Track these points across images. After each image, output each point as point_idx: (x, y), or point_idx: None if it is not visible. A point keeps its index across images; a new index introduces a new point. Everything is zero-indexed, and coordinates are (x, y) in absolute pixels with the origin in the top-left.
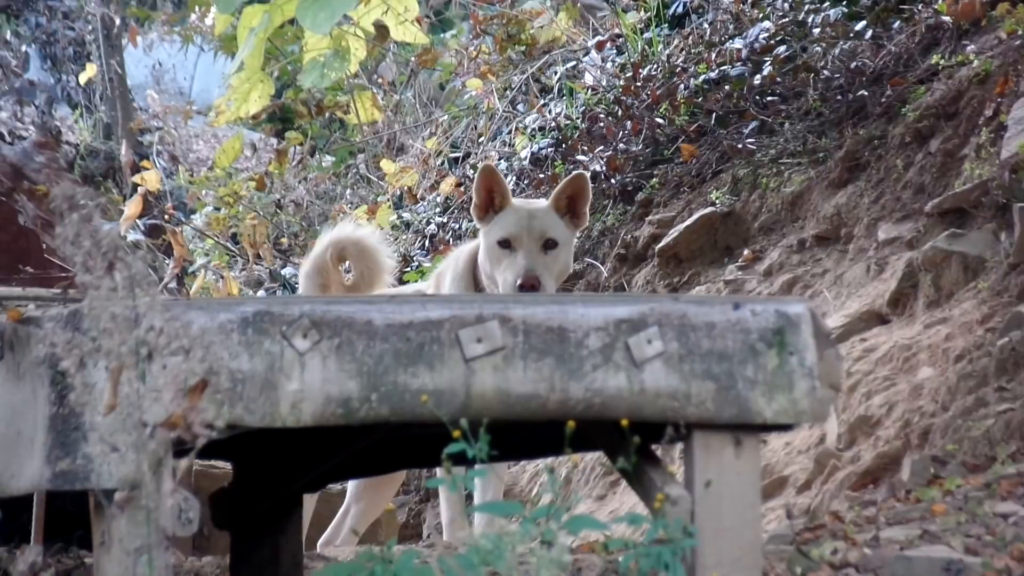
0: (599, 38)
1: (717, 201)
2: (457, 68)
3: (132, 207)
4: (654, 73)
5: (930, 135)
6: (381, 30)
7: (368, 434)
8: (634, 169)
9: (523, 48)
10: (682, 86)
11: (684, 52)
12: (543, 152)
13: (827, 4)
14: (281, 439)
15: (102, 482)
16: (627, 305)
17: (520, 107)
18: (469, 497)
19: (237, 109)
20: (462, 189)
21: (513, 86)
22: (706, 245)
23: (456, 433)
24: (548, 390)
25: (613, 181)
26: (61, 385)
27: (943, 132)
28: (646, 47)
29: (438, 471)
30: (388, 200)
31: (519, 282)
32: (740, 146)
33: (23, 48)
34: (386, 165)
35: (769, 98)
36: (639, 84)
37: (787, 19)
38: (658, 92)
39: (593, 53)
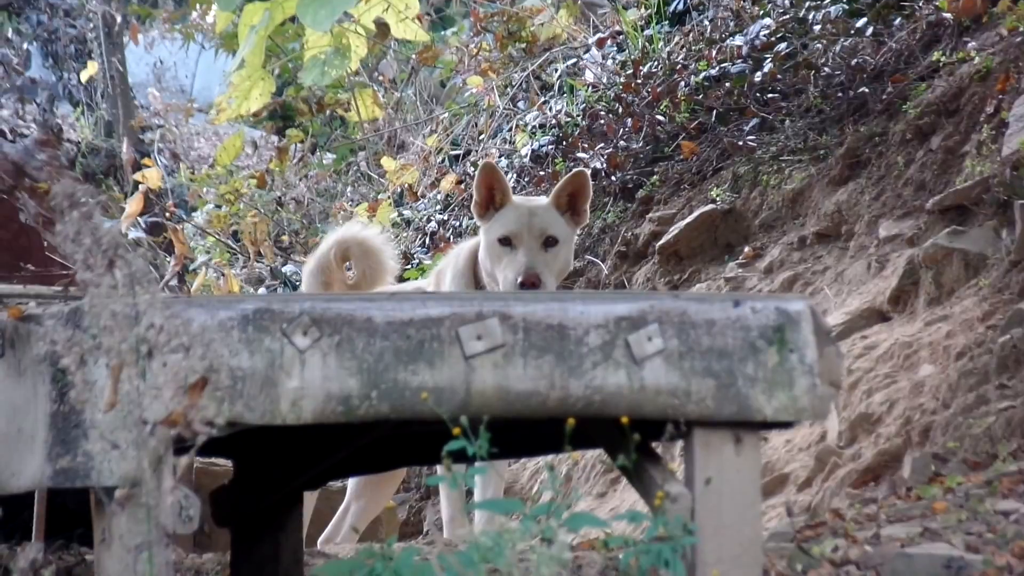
0: (600, 35)
1: (718, 198)
2: (458, 65)
3: (133, 205)
4: (655, 70)
5: (931, 132)
6: (382, 27)
7: (368, 431)
8: (635, 166)
9: (524, 45)
10: (683, 83)
11: (685, 49)
12: (544, 149)
13: (828, 1)
14: (281, 436)
15: (103, 479)
16: (627, 303)
17: (521, 104)
18: (470, 494)
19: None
20: (463, 186)
21: (514, 83)
22: (707, 242)
23: (456, 430)
24: (548, 387)
25: (614, 178)
26: (62, 382)
27: (944, 129)
28: (647, 44)
29: (438, 468)
30: (389, 197)
31: (520, 280)
32: (741, 143)
33: (25, 46)
34: (387, 162)
35: (770, 95)
36: (640, 81)
37: (788, 16)
38: (659, 89)
39: (594, 50)
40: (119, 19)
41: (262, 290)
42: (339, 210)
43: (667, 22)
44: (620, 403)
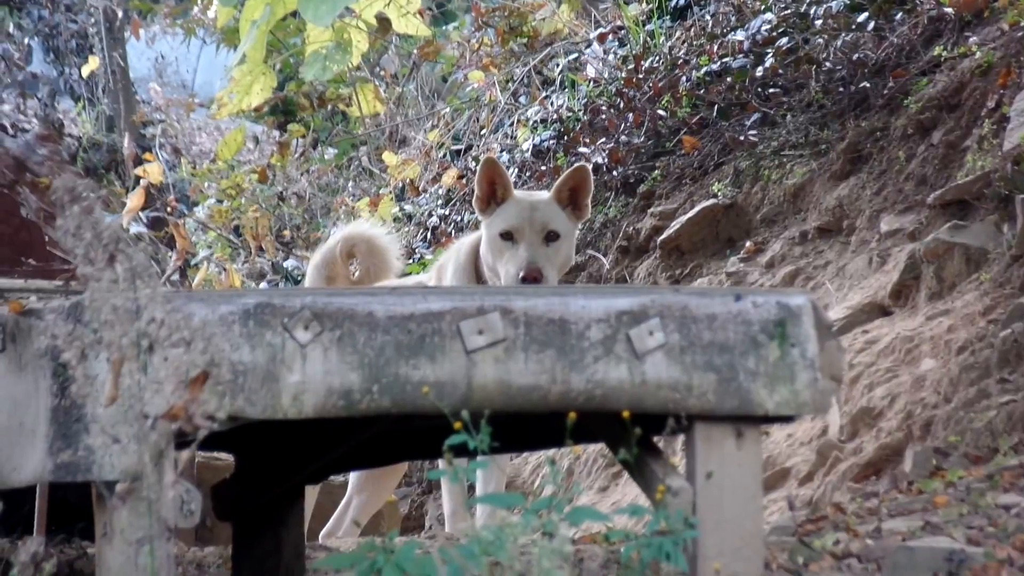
0: (601, 30)
1: (719, 193)
2: (459, 60)
3: (135, 200)
4: (656, 65)
5: (932, 127)
6: (383, 22)
7: (370, 426)
8: (636, 161)
9: (525, 40)
10: (684, 78)
11: (686, 44)
12: (545, 144)
13: None
14: (283, 431)
15: (104, 474)
16: (628, 297)
17: (522, 99)
18: (472, 489)
19: (239, 102)
20: (464, 181)
21: (515, 78)
22: (708, 237)
23: (457, 425)
24: (549, 382)
25: (615, 173)
26: (63, 377)
27: (945, 124)
28: (648, 39)
29: (440, 463)
30: (390, 192)
31: (521, 274)
32: (742, 138)
33: (26, 41)
34: (388, 157)
35: (771, 90)
36: (641, 76)
37: (789, 11)
38: (660, 84)
39: (595, 45)
40: (120, 14)
41: (263, 285)
42: (340, 205)
43: (668, 17)
44: (621, 397)
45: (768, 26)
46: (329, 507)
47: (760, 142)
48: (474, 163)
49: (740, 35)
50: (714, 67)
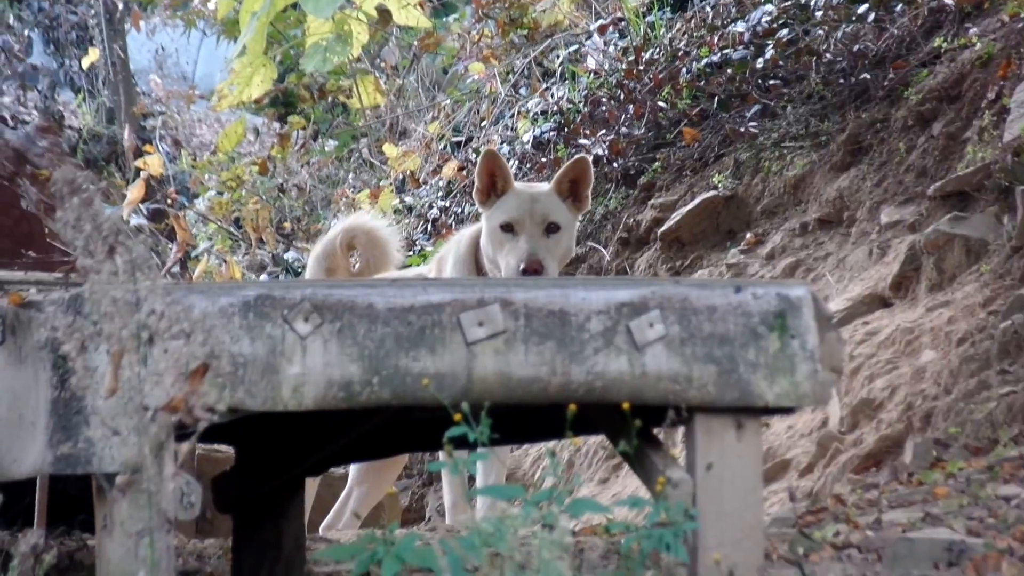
0: (601, 22)
1: (719, 185)
2: (460, 52)
3: (135, 191)
4: (656, 57)
5: (932, 118)
6: (384, 14)
7: (370, 418)
8: (636, 153)
9: (525, 32)
10: (684, 70)
11: (686, 35)
12: (545, 136)
13: None
14: (283, 423)
15: (104, 466)
16: (628, 289)
17: (522, 91)
18: (472, 480)
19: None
20: (464, 173)
21: (515, 70)
22: (708, 229)
23: (457, 417)
24: (550, 373)
25: (615, 165)
26: (62, 369)
27: (945, 115)
28: (648, 31)
29: (440, 455)
30: (391, 184)
31: (522, 266)
32: (742, 130)
33: (26, 32)
34: (389, 149)
35: (771, 81)
36: (641, 68)
37: (789, 2)
38: (660, 76)
39: (595, 37)
40: (120, 5)
41: (264, 277)
42: (341, 197)
43: (669, 8)
44: (621, 389)
45: (768, 17)
46: (329, 499)
47: (760, 134)
48: (475, 155)
49: (740, 26)
50: (714, 58)
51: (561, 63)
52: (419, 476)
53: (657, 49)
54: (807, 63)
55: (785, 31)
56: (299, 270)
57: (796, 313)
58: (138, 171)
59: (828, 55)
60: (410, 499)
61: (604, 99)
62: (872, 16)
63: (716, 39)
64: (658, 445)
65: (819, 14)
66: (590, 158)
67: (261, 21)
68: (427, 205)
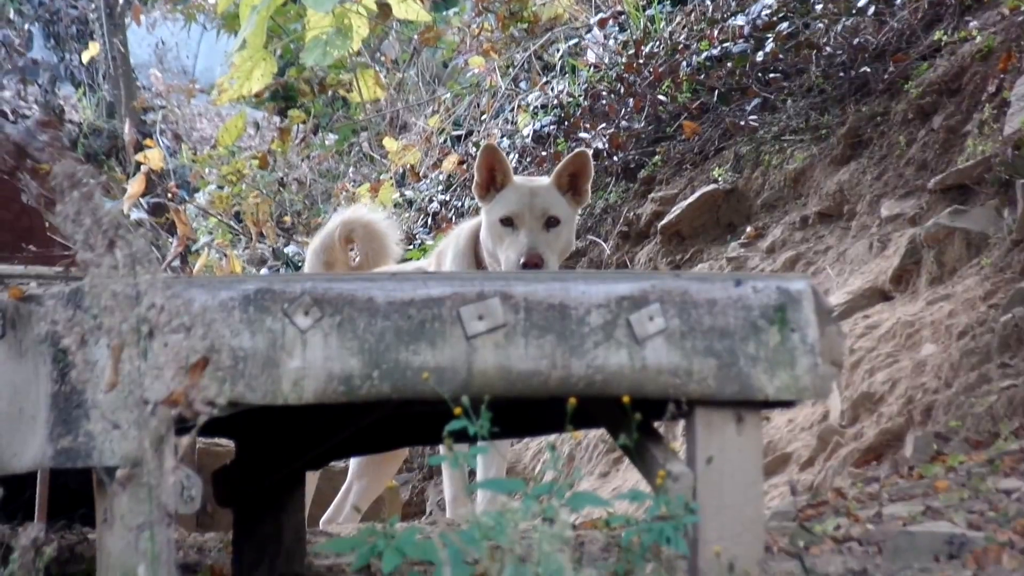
0: (601, 15)
1: (719, 178)
2: (460, 46)
3: (135, 186)
4: (656, 50)
5: (933, 111)
6: (384, 8)
7: (370, 412)
8: (636, 146)
9: (525, 25)
10: (684, 63)
11: (686, 29)
12: (545, 130)
13: None
14: (283, 416)
15: (104, 459)
16: (628, 282)
17: (522, 85)
18: (473, 474)
19: (240, 87)
20: (464, 167)
21: (515, 64)
22: (708, 222)
23: (457, 410)
24: (550, 367)
25: (615, 158)
26: (63, 363)
27: (946, 108)
28: (648, 24)
29: (440, 448)
30: (391, 178)
31: (522, 260)
32: (742, 123)
33: (26, 27)
34: (389, 143)
35: (771, 75)
36: (641, 61)
37: None
38: (660, 69)
39: (595, 30)
40: (121, 0)
41: (264, 271)
42: (341, 191)
43: (669, 2)
44: (622, 383)
45: (768, 11)
46: (329, 493)
47: (760, 127)
48: (475, 148)
49: (740, 20)
50: (714, 52)
51: (561, 57)
52: (419, 470)
53: (657, 43)
54: (807, 56)
55: (785, 24)
56: (300, 264)
57: (796, 307)
58: (138, 165)
59: (828, 48)
60: (410, 493)
61: (604, 93)
62: (872, 9)
63: (716, 32)
64: (658, 439)
65: (819, 7)
66: (590, 152)
67: (261, 15)
68: (427, 199)
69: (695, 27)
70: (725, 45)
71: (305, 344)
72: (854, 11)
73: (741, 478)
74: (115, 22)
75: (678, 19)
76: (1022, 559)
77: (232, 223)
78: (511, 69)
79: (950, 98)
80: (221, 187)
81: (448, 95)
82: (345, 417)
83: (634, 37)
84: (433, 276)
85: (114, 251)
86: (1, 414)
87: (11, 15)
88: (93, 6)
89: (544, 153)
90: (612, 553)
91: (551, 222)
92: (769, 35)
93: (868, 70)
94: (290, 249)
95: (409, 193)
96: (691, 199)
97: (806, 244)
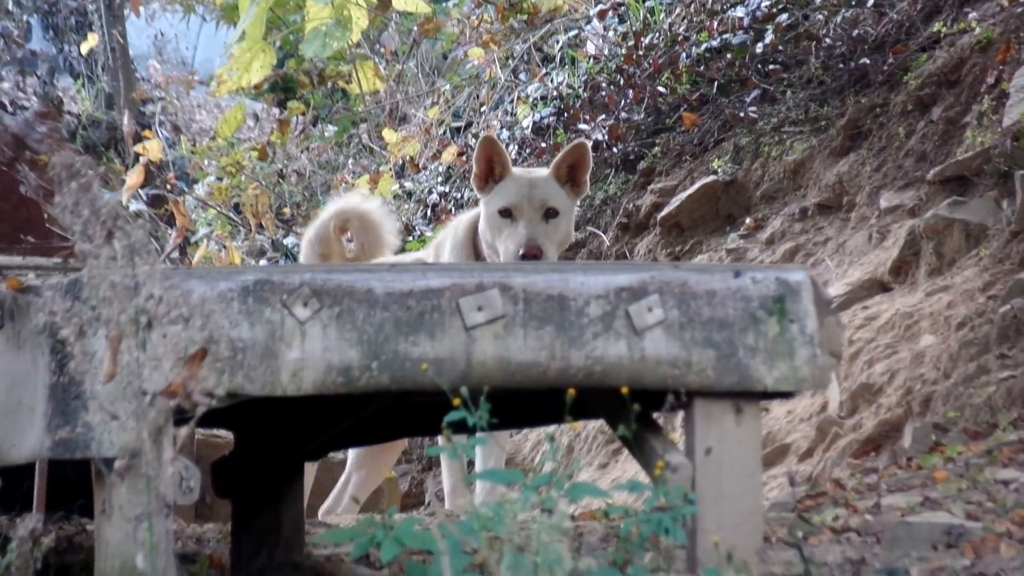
0: (601, 7)
1: (719, 170)
2: (459, 37)
3: (134, 177)
4: (656, 42)
5: (932, 103)
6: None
7: (369, 403)
8: (636, 138)
9: (525, 17)
10: (684, 55)
11: (686, 20)
12: (545, 121)
13: None
14: (282, 408)
15: (102, 450)
16: (628, 273)
17: (522, 76)
18: (472, 465)
19: (239, 79)
20: (464, 158)
21: (515, 55)
22: (708, 214)
23: (457, 401)
24: (549, 358)
25: (615, 150)
26: (61, 354)
27: (945, 100)
28: (648, 15)
29: (439, 439)
30: (390, 169)
31: (521, 251)
32: (742, 115)
33: (25, 18)
34: (388, 135)
35: (771, 66)
36: (641, 53)
37: None
38: (660, 61)
39: (595, 22)
40: None
41: (263, 262)
42: (341, 182)
43: None
44: (621, 373)
45: (768, 2)
46: (328, 484)
47: (760, 119)
48: (474, 140)
49: (740, 11)
50: (714, 43)
51: (561, 48)
52: (418, 461)
53: (657, 34)
54: (807, 48)
55: (785, 16)
56: (298, 255)
57: (795, 298)
58: (137, 157)
59: (828, 40)
60: (409, 484)
61: (604, 84)
62: (871, 1)
63: (716, 24)
64: (657, 430)
65: None
66: (589, 143)
67: (260, 6)
68: (427, 190)
69: (694, 18)
70: (725, 36)
71: (304, 335)
72: (853, 2)
73: (740, 469)
74: (114, 13)
75: (677, 10)
76: (1020, 549)
77: (231, 214)
78: (511, 60)
79: (949, 89)
80: (220, 178)
81: (447, 86)
82: (344, 408)
83: (634, 28)
84: (432, 267)
85: (112, 242)
86: None
87: (10, 6)
88: None
89: (544, 145)
90: (611, 543)
91: (550, 213)
92: (769, 26)
93: (867, 61)
94: (289, 240)
95: (408, 184)
96: (690, 190)
97: (805, 235)
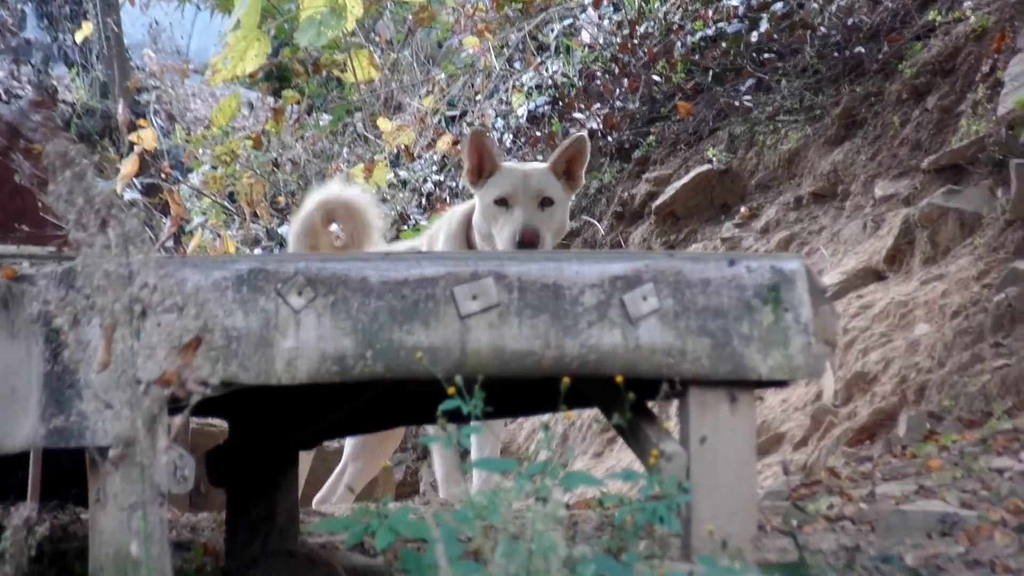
0: None
1: (714, 159)
2: (454, 26)
3: (129, 166)
4: (651, 30)
5: (927, 92)
6: None
7: (364, 391)
8: (631, 127)
9: (520, 6)
10: (679, 43)
11: (681, 9)
12: (540, 110)
13: None
14: (277, 396)
15: (96, 439)
16: (622, 262)
17: (517, 65)
18: (466, 454)
19: (233, 67)
20: (459, 147)
21: (510, 44)
22: (703, 203)
23: (451, 390)
24: (543, 347)
25: (610, 139)
26: (55, 343)
27: (940, 88)
28: (643, 4)
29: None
30: (385, 158)
31: (518, 237)
32: (737, 103)
33: (19, 6)
34: (383, 123)
35: (766, 55)
36: (636, 42)
37: None
38: (655, 49)
39: (590, 10)
40: None
41: (258, 251)
42: (335, 171)
43: None
44: (615, 362)
45: None
46: (324, 473)
47: (755, 107)
48: (469, 129)
49: (735, 0)
50: (709, 32)
51: (556, 37)
52: (413, 450)
53: (652, 23)
54: (801, 36)
55: (779, 4)
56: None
57: (790, 286)
58: (132, 145)
59: (822, 28)
60: (404, 473)
61: (599, 73)
62: None
63: (711, 12)
64: (652, 418)
65: None
66: (585, 132)
67: None
68: (422, 179)
69: (689, 7)
70: (719, 25)
71: (298, 324)
72: None
73: (734, 457)
74: (108, 2)
75: None
76: (1014, 537)
77: (226, 203)
78: (505, 49)
79: (944, 78)
80: (215, 167)
81: (442, 75)
82: (338, 397)
83: (628, 17)
84: (427, 256)
85: (107, 231)
86: None
87: None
88: None
89: (538, 133)
90: (605, 532)
91: (546, 202)
92: (763, 15)
93: (862, 50)
94: (284, 229)
95: (403, 173)
96: (685, 179)
97: (800, 224)
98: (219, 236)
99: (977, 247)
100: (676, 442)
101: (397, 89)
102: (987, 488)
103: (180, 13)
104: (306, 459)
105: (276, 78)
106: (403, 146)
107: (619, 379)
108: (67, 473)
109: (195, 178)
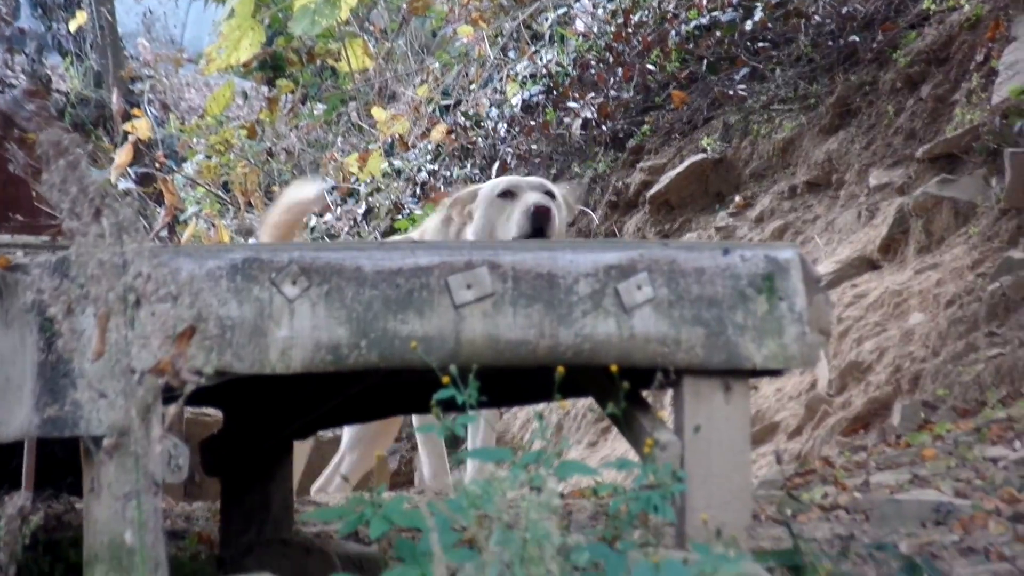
0: None
1: (708, 148)
2: (448, 15)
3: (123, 155)
4: (645, 19)
5: (921, 81)
6: None
7: (358, 380)
8: (625, 116)
9: None
10: (673, 32)
11: None
12: (534, 99)
13: None
14: (271, 386)
15: (91, 428)
16: (616, 251)
17: (511, 54)
18: (458, 444)
19: (228, 57)
20: (453, 136)
21: (504, 33)
22: (697, 192)
23: (446, 379)
24: (538, 336)
25: (604, 128)
26: (49, 332)
27: (934, 78)
28: None
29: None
30: (379, 148)
31: (532, 210)
32: (731, 92)
33: None
34: (377, 113)
35: (760, 44)
36: (630, 30)
37: None
38: (649, 38)
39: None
40: None
41: (252, 240)
42: (329, 160)
43: None
44: (610, 352)
45: None
46: (319, 464)
47: (749, 96)
48: (463, 118)
49: None
50: (703, 21)
51: (550, 26)
52: (407, 440)
53: (646, 12)
54: (796, 25)
55: None
56: None
57: (784, 275)
58: (126, 135)
59: (817, 17)
60: (399, 463)
61: (593, 62)
62: None
63: (705, 1)
64: (646, 407)
65: None
66: (579, 122)
67: None
68: (416, 168)
69: None
70: (714, 14)
71: (293, 313)
72: None
73: (729, 447)
74: None
75: None
76: (1008, 525)
77: (220, 193)
78: (500, 38)
79: (938, 67)
80: (209, 157)
81: (437, 65)
82: (333, 386)
83: (623, 6)
84: (421, 245)
85: (101, 220)
86: None
87: None
88: None
89: (533, 122)
90: (600, 521)
91: (549, 194)
92: (758, 4)
93: (856, 39)
94: None
95: (398, 163)
96: (680, 168)
97: (794, 213)
98: (213, 225)
99: (971, 236)
100: (670, 431)
101: (391, 78)
102: (981, 477)
103: (174, 2)
104: (304, 450)
105: (270, 67)
106: (397, 135)
107: (613, 368)
108: (61, 462)
109: (189, 167)
